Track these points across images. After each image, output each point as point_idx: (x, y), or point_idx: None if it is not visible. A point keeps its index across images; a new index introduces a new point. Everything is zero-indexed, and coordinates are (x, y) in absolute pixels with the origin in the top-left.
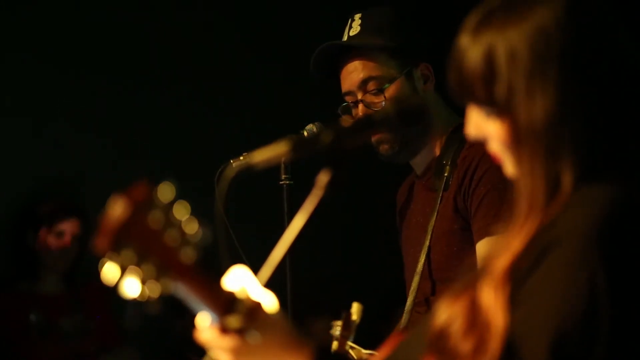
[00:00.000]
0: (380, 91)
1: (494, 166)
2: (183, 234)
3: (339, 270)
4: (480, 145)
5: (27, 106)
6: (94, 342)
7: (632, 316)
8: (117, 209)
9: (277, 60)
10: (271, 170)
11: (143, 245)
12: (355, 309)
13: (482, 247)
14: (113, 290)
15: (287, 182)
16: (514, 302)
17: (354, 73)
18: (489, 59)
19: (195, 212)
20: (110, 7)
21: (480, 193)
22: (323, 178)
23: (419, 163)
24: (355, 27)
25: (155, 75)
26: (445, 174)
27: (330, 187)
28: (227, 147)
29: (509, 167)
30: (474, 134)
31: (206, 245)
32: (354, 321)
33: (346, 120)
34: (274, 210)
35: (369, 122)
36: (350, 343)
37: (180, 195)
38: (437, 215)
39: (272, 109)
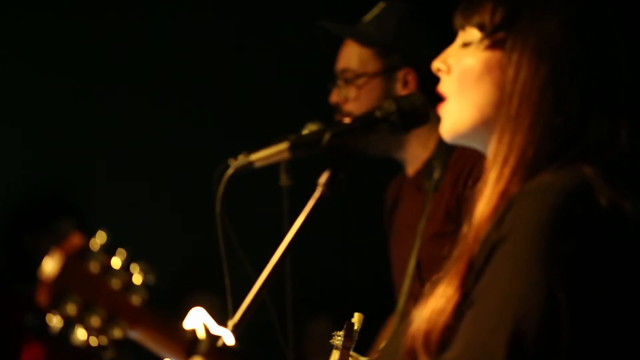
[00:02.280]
0: (352, 81)
1: None
2: (127, 277)
3: (339, 270)
4: (473, 149)
5: (24, 106)
6: None
7: (592, 306)
8: (51, 262)
9: (276, 61)
10: (271, 170)
11: (87, 294)
12: (357, 318)
13: None
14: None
15: (287, 182)
16: (469, 300)
17: (340, 54)
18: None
19: (196, 213)
20: (108, 8)
21: None
22: (323, 178)
23: (409, 163)
24: (373, 12)
25: (154, 75)
26: (436, 176)
27: (330, 187)
28: (226, 147)
29: (450, 110)
30: (436, 65)
31: (152, 286)
32: (356, 331)
33: (346, 120)
34: (273, 211)
35: (369, 122)
36: (352, 353)
37: (180, 196)
38: (426, 217)
39: (272, 109)
